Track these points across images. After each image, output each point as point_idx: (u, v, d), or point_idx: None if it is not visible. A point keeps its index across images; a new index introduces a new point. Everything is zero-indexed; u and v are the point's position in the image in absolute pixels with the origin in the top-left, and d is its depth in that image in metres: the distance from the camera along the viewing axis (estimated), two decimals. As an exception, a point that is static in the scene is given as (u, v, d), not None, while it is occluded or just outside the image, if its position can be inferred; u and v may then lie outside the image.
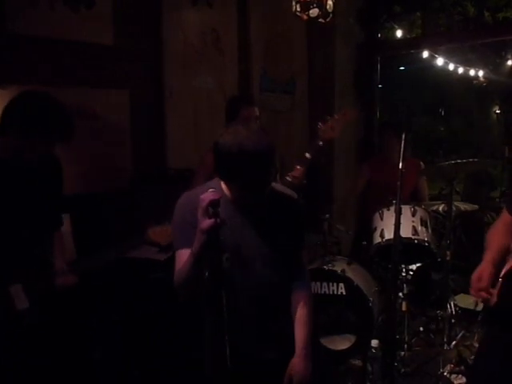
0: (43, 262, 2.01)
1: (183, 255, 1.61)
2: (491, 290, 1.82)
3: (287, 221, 1.73)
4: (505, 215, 1.99)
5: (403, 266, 3.25)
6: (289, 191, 1.83)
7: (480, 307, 3.43)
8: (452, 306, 3.25)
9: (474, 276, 1.87)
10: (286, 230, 1.73)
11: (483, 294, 1.82)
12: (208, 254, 1.52)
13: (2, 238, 1.89)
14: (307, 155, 2.61)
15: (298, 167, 2.60)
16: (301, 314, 1.73)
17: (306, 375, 1.67)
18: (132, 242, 2.07)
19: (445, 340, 3.14)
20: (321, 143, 2.62)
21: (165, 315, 2.76)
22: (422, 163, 3.80)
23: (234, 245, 1.67)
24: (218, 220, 1.46)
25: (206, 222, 1.46)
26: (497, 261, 1.88)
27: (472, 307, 3.40)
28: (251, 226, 1.69)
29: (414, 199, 3.68)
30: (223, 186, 1.68)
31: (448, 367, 2.95)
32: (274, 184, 1.74)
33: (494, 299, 1.81)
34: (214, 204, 1.47)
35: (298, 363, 1.68)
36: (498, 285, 1.82)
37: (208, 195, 1.48)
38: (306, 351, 1.69)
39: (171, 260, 2.51)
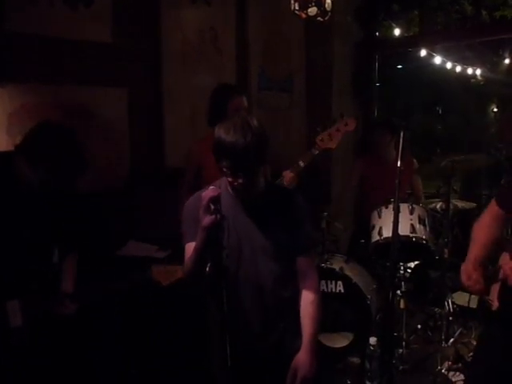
0: (47, 284, 2.01)
1: (190, 248, 1.68)
2: (491, 298, 1.85)
3: (288, 215, 1.75)
4: (493, 207, 1.97)
5: (401, 263, 3.27)
6: (290, 188, 1.85)
7: (475, 304, 3.44)
8: (450, 303, 3.27)
9: (464, 278, 1.92)
10: (287, 224, 1.74)
11: (478, 287, 1.85)
12: (209, 251, 1.54)
13: (6, 253, 1.89)
14: (301, 163, 2.51)
15: (290, 173, 2.49)
16: (308, 310, 1.74)
17: (310, 370, 1.68)
18: (136, 277, 2.07)
19: (443, 337, 3.16)
20: (316, 152, 2.54)
21: (164, 314, 2.77)
22: (415, 161, 3.81)
23: (236, 239, 1.70)
24: (219, 216, 1.50)
25: (207, 219, 1.51)
26: (481, 258, 1.91)
27: (472, 305, 3.42)
28: (253, 221, 1.72)
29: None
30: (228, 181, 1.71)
31: (446, 364, 2.97)
32: (276, 182, 1.75)
33: (496, 304, 1.82)
34: (214, 201, 1.51)
35: (303, 358, 1.69)
36: (496, 288, 1.84)
37: (208, 193, 1.52)
38: (312, 346, 1.71)
39: (171, 258, 2.53)
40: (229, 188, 1.71)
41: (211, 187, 1.56)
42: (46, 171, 1.87)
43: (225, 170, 1.62)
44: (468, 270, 1.90)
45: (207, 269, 1.50)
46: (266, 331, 1.76)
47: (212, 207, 1.50)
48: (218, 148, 1.61)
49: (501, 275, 1.78)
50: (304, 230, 1.78)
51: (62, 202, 2.04)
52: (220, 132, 1.59)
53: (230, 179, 1.64)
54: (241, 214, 1.71)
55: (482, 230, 1.99)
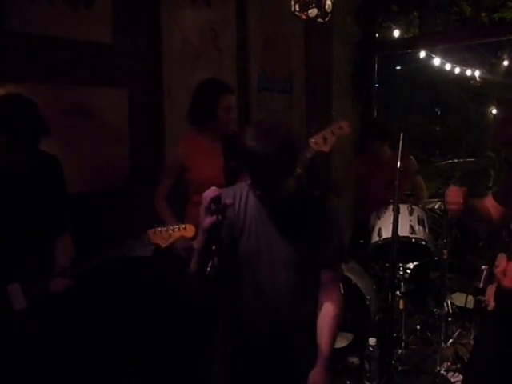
0: (44, 264, 2.02)
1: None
2: (487, 298, 1.86)
3: (318, 226, 1.65)
4: (490, 200, 2.08)
5: (400, 264, 3.27)
6: (325, 201, 1.76)
7: (471, 305, 3.47)
8: (449, 304, 3.27)
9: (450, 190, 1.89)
10: (316, 235, 1.64)
11: (455, 205, 1.84)
12: (211, 251, 1.52)
13: (7, 243, 1.90)
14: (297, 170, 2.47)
15: None
16: (328, 324, 1.64)
17: None
18: (133, 244, 2.06)
19: (441, 338, 3.16)
20: (310, 156, 2.45)
21: (157, 312, 2.77)
22: (413, 159, 3.80)
23: (254, 244, 1.63)
24: (220, 217, 1.45)
25: (207, 220, 1.47)
26: (471, 202, 1.92)
27: (469, 306, 3.43)
28: (277, 228, 1.63)
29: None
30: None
31: (445, 365, 2.98)
32: (309, 188, 1.71)
33: (492, 304, 1.84)
34: (215, 201, 1.47)
35: (318, 377, 1.59)
36: (492, 289, 1.85)
37: (209, 193, 1.49)
38: (328, 364, 1.61)
39: (160, 255, 2.52)
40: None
41: (212, 188, 1.51)
42: (7, 138, 1.87)
43: (247, 176, 1.55)
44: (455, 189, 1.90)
45: (208, 269, 1.48)
46: (277, 348, 1.67)
47: (213, 207, 1.47)
48: (240, 152, 1.52)
49: (497, 271, 1.79)
50: (333, 243, 1.66)
51: (46, 179, 2.05)
52: (246, 136, 1.51)
53: (251, 185, 1.57)
54: (265, 218, 1.62)
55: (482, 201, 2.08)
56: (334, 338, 1.64)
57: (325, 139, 2.45)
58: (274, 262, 1.63)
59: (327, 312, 1.65)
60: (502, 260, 1.86)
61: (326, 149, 2.46)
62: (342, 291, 3.01)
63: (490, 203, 2.07)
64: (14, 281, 1.90)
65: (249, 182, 1.56)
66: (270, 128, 1.52)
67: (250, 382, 1.66)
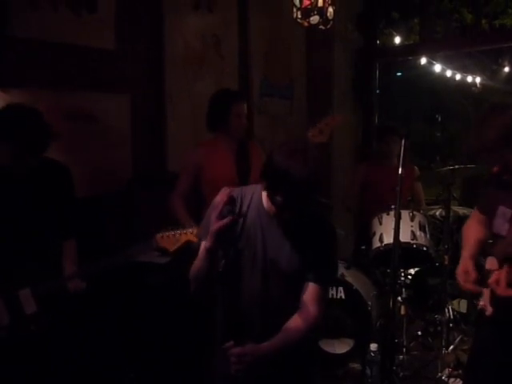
0: (44, 266, 2.02)
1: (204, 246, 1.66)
2: (483, 303, 1.87)
3: (317, 243, 1.66)
4: (476, 214, 2.13)
5: (402, 270, 3.27)
6: (329, 220, 1.78)
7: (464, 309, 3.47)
8: (450, 310, 3.27)
9: (460, 270, 1.96)
10: (313, 250, 1.65)
11: (472, 286, 1.89)
12: (223, 251, 1.53)
13: (9, 244, 1.91)
14: None
15: None
16: (286, 330, 1.63)
17: (255, 357, 1.55)
18: (140, 247, 2.07)
19: (443, 344, 3.15)
20: None
21: (163, 318, 2.77)
22: (416, 168, 3.82)
23: (252, 249, 1.65)
24: (231, 218, 1.48)
25: (217, 224, 1.49)
26: (474, 255, 2.00)
27: (462, 310, 3.43)
28: (278, 237, 1.65)
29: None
30: (264, 195, 1.64)
31: (446, 371, 2.97)
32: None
33: (490, 309, 1.84)
34: (230, 202, 1.51)
35: (255, 349, 1.56)
36: (488, 294, 1.85)
37: (222, 197, 1.51)
38: (270, 352, 1.59)
39: (171, 264, 2.53)
40: (265, 201, 1.64)
41: (224, 189, 1.53)
42: (11, 146, 1.91)
43: (267, 189, 1.55)
44: (465, 264, 1.95)
45: (220, 268, 1.49)
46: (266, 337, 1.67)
47: (227, 209, 1.49)
48: (272, 169, 1.51)
49: (490, 281, 1.79)
50: (328, 261, 1.70)
51: (50, 184, 2.07)
52: (279, 155, 1.50)
53: (268, 196, 1.58)
54: (265, 227, 1.65)
55: (470, 229, 2.12)
56: (283, 344, 1.61)
57: (321, 131, 2.63)
58: (267, 271, 1.65)
59: (294, 323, 1.65)
60: (491, 263, 1.86)
61: (323, 139, 2.64)
62: (344, 297, 3.07)
63: (475, 220, 2.12)
64: (14, 281, 1.91)
65: (266, 192, 1.57)
66: (304, 149, 1.53)
67: (246, 381, 1.65)
